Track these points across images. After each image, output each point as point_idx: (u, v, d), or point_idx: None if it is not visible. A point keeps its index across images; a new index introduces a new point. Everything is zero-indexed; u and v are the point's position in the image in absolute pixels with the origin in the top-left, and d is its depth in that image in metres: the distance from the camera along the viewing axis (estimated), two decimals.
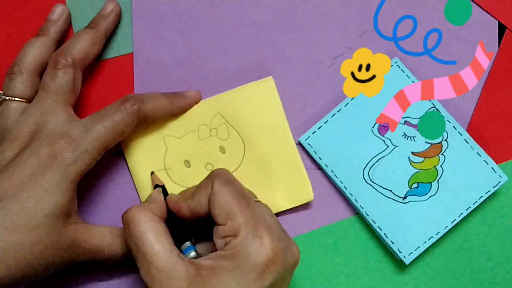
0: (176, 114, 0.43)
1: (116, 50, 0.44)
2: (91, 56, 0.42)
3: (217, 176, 0.37)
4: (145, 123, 0.42)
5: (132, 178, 0.44)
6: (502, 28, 0.44)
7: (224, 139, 0.43)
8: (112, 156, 0.44)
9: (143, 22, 0.44)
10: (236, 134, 0.43)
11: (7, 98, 0.40)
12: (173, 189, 0.43)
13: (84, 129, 0.38)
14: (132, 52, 0.44)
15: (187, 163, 0.43)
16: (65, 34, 0.44)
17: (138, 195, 0.44)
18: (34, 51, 0.41)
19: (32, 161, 0.36)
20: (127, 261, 0.41)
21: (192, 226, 0.39)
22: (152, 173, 0.43)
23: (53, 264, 0.37)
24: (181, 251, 0.37)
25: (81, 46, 0.41)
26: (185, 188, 0.43)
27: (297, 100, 0.44)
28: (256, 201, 0.38)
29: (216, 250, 0.36)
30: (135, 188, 0.44)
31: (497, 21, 0.44)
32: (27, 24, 0.44)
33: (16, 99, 0.40)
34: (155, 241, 0.35)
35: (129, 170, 0.44)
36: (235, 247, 0.34)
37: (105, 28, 0.43)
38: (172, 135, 0.43)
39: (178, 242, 0.37)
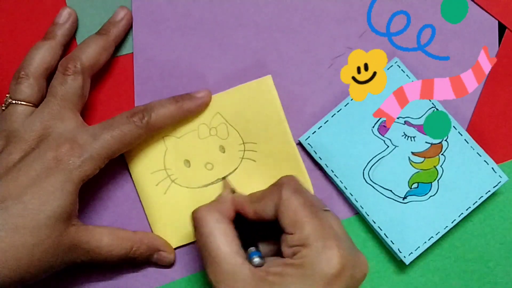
0: (187, 117, 0.43)
1: (116, 50, 0.44)
2: (100, 63, 0.42)
3: (286, 185, 0.36)
4: (156, 132, 0.42)
5: (132, 178, 0.44)
6: (502, 28, 0.44)
7: (224, 138, 0.43)
8: None
9: (143, 22, 0.44)
10: (236, 133, 0.43)
11: (14, 101, 0.40)
12: (174, 190, 0.43)
13: (92, 136, 0.38)
14: (132, 52, 0.44)
15: (187, 162, 0.43)
16: (72, 38, 0.44)
17: (138, 195, 0.44)
18: (41, 55, 0.41)
19: (37, 164, 0.37)
20: (127, 261, 0.41)
21: (258, 226, 0.39)
22: (223, 178, 0.43)
23: (53, 265, 0.37)
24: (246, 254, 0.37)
25: (91, 53, 0.41)
26: (191, 188, 0.43)
27: (297, 100, 0.44)
28: (325, 210, 0.37)
29: (280, 252, 0.36)
30: (135, 188, 0.44)
31: (497, 21, 0.44)
32: (33, 27, 0.44)
33: (22, 103, 0.40)
34: (222, 242, 0.35)
35: (129, 171, 0.44)
36: (304, 257, 0.34)
37: (115, 35, 0.43)
38: (171, 135, 0.43)
39: (244, 242, 0.37)
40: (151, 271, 0.44)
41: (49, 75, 0.41)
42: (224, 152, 0.43)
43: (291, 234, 0.35)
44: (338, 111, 0.43)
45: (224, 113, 0.43)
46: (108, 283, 0.44)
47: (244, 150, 0.43)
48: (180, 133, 0.43)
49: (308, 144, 0.43)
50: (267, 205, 0.37)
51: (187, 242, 0.44)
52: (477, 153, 0.42)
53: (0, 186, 0.36)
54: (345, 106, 0.43)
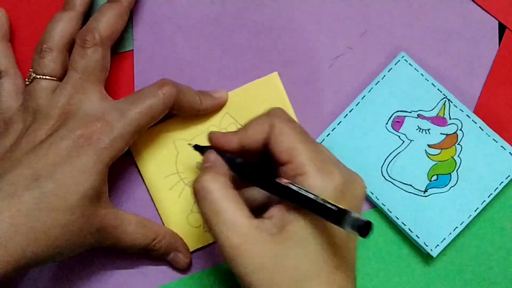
0: (201, 115, 0.43)
1: (116, 47, 0.44)
2: (118, 31, 0.41)
3: (277, 115, 0.36)
4: (173, 111, 0.41)
5: (145, 183, 0.43)
6: (502, 28, 0.44)
7: None
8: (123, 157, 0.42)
9: (143, 20, 0.44)
10: None
11: (38, 76, 0.39)
12: (188, 193, 0.43)
13: (120, 113, 0.37)
14: (133, 50, 0.44)
15: (199, 165, 0.43)
16: (91, 7, 0.43)
17: (152, 199, 0.43)
18: (62, 27, 0.40)
19: (67, 141, 0.36)
20: (145, 253, 0.41)
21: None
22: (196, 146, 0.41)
23: (81, 246, 0.37)
24: None
25: (107, 22, 0.40)
26: None
27: (297, 101, 0.44)
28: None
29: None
30: (148, 192, 0.44)
31: (497, 21, 0.44)
32: None
33: (47, 77, 0.39)
34: (232, 207, 0.33)
35: (141, 175, 0.43)
36: (307, 187, 0.33)
37: (128, 1, 0.42)
38: (182, 138, 0.43)
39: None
40: (151, 271, 0.43)
41: (70, 47, 0.41)
42: None
43: (286, 163, 0.34)
44: (350, 111, 0.43)
45: (233, 113, 0.43)
46: (108, 283, 0.43)
47: None
48: (190, 136, 0.43)
49: None
50: (256, 132, 0.36)
51: (203, 245, 0.43)
52: (493, 139, 0.42)
53: (30, 162, 0.35)
54: (356, 105, 0.43)
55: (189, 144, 0.41)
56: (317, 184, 0.33)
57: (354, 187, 0.35)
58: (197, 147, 0.40)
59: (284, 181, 0.33)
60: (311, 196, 0.31)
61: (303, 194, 0.32)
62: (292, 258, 0.32)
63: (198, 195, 0.34)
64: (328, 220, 0.30)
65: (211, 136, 0.38)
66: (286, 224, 0.33)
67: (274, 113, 0.36)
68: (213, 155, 0.37)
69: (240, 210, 0.33)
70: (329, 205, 0.30)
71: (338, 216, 0.29)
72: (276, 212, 0.34)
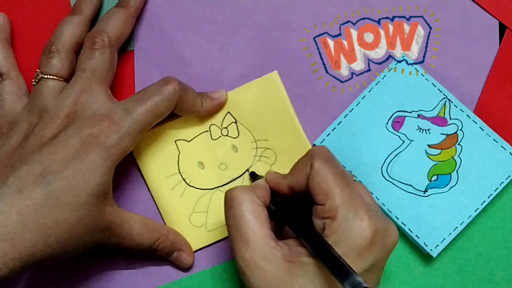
0: (201, 116, 0.43)
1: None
2: (125, 35, 0.42)
3: (317, 155, 0.36)
4: (174, 111, 0.41)
5: (146, 184, 0.44)
6: (502, 28, 0.44)
7: (235, 138, 0.43)
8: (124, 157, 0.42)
9: (143, 21, 0.45)
10: (247, 131, 0.43)
11: (45, 76, 0.40)
12: (190, 193, 0.43)
13: (126, 112, 0.38)
14: (133, 50, 0.44)
15: (201, 164, 0.43)
16: (99, 12, 0.44)
17: (154, 200, 0.44)
18: (71, 30, 0.41)
19: (75, 139, 0.36)
20: (148, 253, 0.41)
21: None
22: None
23: (88, 244, 0.37)
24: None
25: (116, 25, 0.41)
26: (207, 190, 0.43)
27: (298, 101, 0.44)
28: (354, 180, 0.38)
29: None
30: (150, 193, 0.44)
31: (497, 21, 0.44)
32: (59, 2, 0.45)
33: (54, 77, 0.40)
34: (254, 222, 0.35)
35: (142, 176, 0.43)
36: (334, 233, 0.34)
37: (135, 6, 0.43)
38: (183, 138, 0.43)
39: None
40: (151, 271, 0.43)
41: (78, 50, 0.41)
42: (236, 151, 0.43)
43: (322, 205, 0.35)
44: (350, 111, 0.43)
45: (234, 112, 0.44)
46: (109, 283, 0.43)
47: (257, 148, 0.43)
48: (191, 136, 0.43)
49: None
50: (299, 177, 0.37)
51: (204, 245, 0.43)
52: (494, 139, 0.42)
53: (39, 159, 0.35)
54: (357, 105, 0.43)
55: (247, 170, 0.43)
56: (346, 231, 0.34)
57: (384, 236, 0.35)
58: (252, 174, 0.43)
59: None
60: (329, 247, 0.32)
61: (322, 242, 0.33)
62: (299, 287, 0.33)
63: (227, 202, 0.37)
64: (333, 273, 0.31)
65: (268, 175, 0.39)
66: (300, 255, 0.34)
67: (314, 153, 0.37)
68: (261, 181, 0.39)
69: (262, 227, 0.35)
70: (341, 260, 0.31)
71: (343, 273, 0.30)
72: (293, 242, 0.36)
